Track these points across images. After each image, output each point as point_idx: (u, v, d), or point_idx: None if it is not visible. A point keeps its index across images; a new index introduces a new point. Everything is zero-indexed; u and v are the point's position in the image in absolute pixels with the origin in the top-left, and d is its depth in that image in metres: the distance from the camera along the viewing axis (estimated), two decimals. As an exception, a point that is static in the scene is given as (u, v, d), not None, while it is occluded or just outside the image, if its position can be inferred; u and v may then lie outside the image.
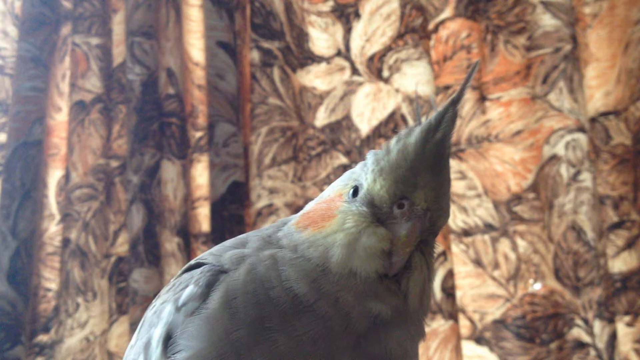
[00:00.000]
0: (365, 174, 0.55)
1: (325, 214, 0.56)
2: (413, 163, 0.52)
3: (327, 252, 0.52)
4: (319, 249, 0.53)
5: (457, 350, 1.26)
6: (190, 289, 0.53)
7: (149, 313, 0.58)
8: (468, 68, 1.38)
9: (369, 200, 0.54)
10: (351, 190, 0.56)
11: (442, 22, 1.42)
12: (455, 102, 0.53)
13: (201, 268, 0.55)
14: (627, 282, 1.27)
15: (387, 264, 0.52)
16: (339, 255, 0.52)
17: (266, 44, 1.46)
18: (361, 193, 0.55)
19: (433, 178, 0.53)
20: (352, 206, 0.54)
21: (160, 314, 0.55)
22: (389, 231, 0.52)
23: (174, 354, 0.51)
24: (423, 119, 0.54)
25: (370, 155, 0.56)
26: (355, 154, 1.40)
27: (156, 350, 0.53)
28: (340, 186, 0.57)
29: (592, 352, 1.24)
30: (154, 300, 0.59)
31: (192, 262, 0.58)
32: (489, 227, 1.34)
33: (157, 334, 0.54)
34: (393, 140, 0.54)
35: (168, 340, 0.52)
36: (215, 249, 0.58)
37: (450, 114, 0.53)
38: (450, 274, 1.28)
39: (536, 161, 1.34)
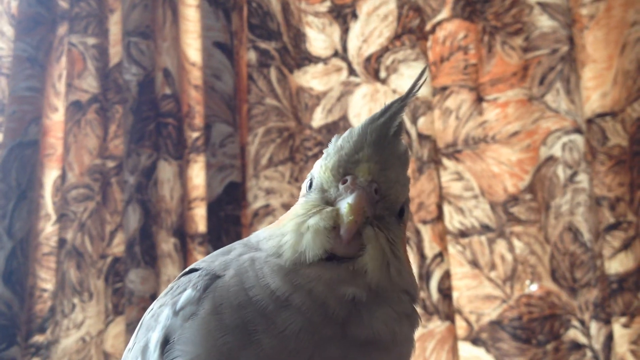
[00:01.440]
0: (317, 166, 0.57)
1: (287, 212, 0.58)
2: (355, 143, 0.54)
3: (280, 241, 0.54)
4: (275, 240, 0.54)
5: (454, 351, 1.26)
6: (188, 293, 0.53)
7: (147, 316, 0.58)
8: (465, 69, 1.39)
9: (319, 187, 0.55)
10: (307, 183, 0.57)
11: (439, 23, 1.42)
12: (403, 99, 0.55)
13: (198, 272, 0.55)
14: (623, 284, 1.27)
15: (336, 241, 0.52)
16: (288, 241, 0.53)
17: (263, 45, 1.46)
18: (313, 183, 0.56)
19: (376, 151, 0.54)
20: (306, 197, 0.56)
21: (158, 317, 0.55)
22: (335, 208, 0.53)
23: (171, 359, 0.51)
24: None
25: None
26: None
27: (154, 354, 0.53)
28: (303, 186, 0.59)
29: (589, 354, 1.24)
30: (153, 304, 0.59)
31: (187, 269, 0.58)
32: (485, 228, 1.34)
33: (155, 337, 0.53)
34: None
35: (166, 344, 0.52)
36: (207, 257, 0.59)
37: (395, 106, 0.54)
38: (446, 275, 1.28)
39: (533, 162, 1.34)
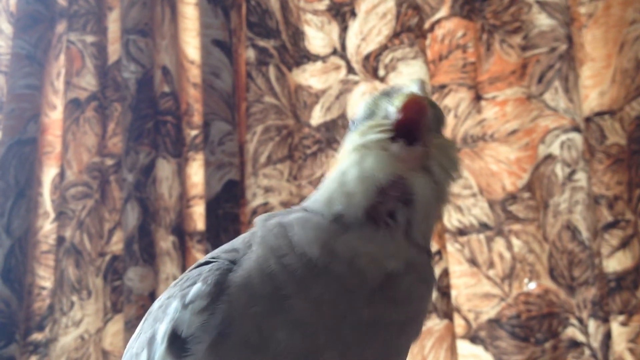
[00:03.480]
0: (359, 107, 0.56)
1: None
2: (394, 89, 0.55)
3: (331, 186, 0.52)
4: (324, 191, 0.53)
5: (452, 349, 1.26)
6: (198, 287, 0.52)
7: (155, 306, 0.57)
8: (464, 67, 1.39)
9: (367, 113, 0.55)
10: (351, 126, 0.56)
11: (438, 21, 1.42)
12: None
13: (210, 265, 0.53)
14: (621, 282, 1.27)
15: (403, 152, 0.49)
16: (350, 178, 0.51)
17: (262, 43, 1.46)
18: (357, 119, 0.55)
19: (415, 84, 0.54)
20: (353, 130, 0.55)
21: (166, 309, 0.54)
22: (392, 120, 0.51)
23: (192, 346, 0.50)
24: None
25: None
26: (350, 153, 1.39)
27: (161, 345, 0.52)
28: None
29: (587, 352, 1.24)
30: (161, 295, 0.58)
31: (202, 260, 0.57)
32: (484, 227, 1.34)
33: (162, 329, 0.53)
34: None
35: (173, 336, 0.51)
36: (228, 244, 0.58)
37: None
38: (445, 273, 1.28)
39: (531, 161, 1.34)
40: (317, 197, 0.54)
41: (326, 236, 0.50)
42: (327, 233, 0.50)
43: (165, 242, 1.41)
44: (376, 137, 0.51)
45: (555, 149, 1.32)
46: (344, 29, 1.46)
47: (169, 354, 0.51)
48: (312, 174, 1.41)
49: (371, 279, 0.50)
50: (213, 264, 0.54)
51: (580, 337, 1.26)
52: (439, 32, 1.41)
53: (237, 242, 0.55)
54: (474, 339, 1.30)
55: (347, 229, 0.50)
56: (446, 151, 0.52)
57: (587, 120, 1.34)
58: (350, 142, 0.53)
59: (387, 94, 0.54)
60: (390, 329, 0.51)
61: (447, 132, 1.38)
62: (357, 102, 1.42)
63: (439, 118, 0.54)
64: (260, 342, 0.49)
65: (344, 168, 0.52)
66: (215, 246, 1.33)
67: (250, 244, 0.53)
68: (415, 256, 0.51)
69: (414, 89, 0.51)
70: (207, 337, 0.50)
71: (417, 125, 0.50)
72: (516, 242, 1.31)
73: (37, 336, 1.44)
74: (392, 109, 0.51)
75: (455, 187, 1.37)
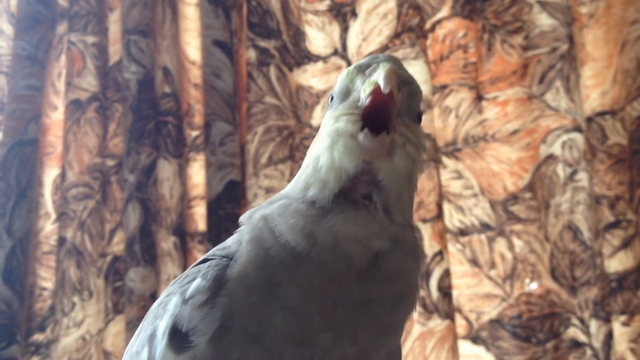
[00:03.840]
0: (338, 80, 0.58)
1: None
2: (370, 58, 0.56)
3: (308, 174, 0.54)
4: (302, 178, 0.55)
5: (454, 349, 1.26)
6: (197, 282, 0.53)
7: (155, 305, 0.58)
8: (465, 67, 1.39)
9: (343, 90, 0.56)
10: (329, 100, 0.58)
11: (439, 21, 1.42)
12: None
13: (209, 262, 0.55)
14: (623, 282, 1.27)
15: (370, 142, 0.51)
16: (323, 166, 0.53)
17: (263, 43, 1.46)
18: (335, 94, 0.57)
19: (387, 56, 0.55)
20: (329, 111, 0.56)
21: (166, 305, 0.55)
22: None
23: (193, 339, 0.51)
24: None
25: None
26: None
27: (162, 341, 0.53)
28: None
29: (589, 352, 1.24)
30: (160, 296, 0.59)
31: (201, 258, 0.58)
32: (485, 227, 1.34)
33: (163, 325, 0.53)
34: None
35: (174, 331, 0.52)
36: (221, 244, 0.59)
37: None
38: (446, 274, 1.28)
39: (533, 161, 1.34)
40: (296, 181, 0.56)
41: (305, 223, 0.51)
42: (305, 219, 0.51)
43: (167, 242, 1.41)
44: (345, 126, 0.53)
45: (556, 149, 1.32)
46: (344, 29, 1.46)
47: (170, 349, 0.52)
48: (313, 174, 1.41)
49: (357, 261, 0.50)
50: (211, 261, 0.55)
51: (582, 338, 1.26)
52: (440, 32, 1.41)
53: (229, 241, 0.56)
54: (475, 339, 1.30)
55: (327, 213, 0.51)
56: (411, 138, 0.53)
57: (589, 120, 1.34)
58: (325, 125, 0.55)
59: (362, 70, 0.55)
60: (383, 306, 0.52)
61: (449, 131, 1.38)
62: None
63: (412, 94, 0.55)
64: (259, 330, 0.50)
65: (318, 152, 0.54)
66: (216, 246, 1.33)
67: (240, 242, 0.54)
68: (399, 233, 0.52)
69: (385, 70, 0.51)
70: (208, 330, 0.50)
71: (383, 113, 0.52)
72: (517, 243, 1.31)
73: (38, 337, 1.44)
74: (363, 94, 0.53)
75: (457, 187, 1.37)
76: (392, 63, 0.54)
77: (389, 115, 0.52)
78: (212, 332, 0.50)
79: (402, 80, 0.53)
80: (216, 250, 0.57)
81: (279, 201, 0.55)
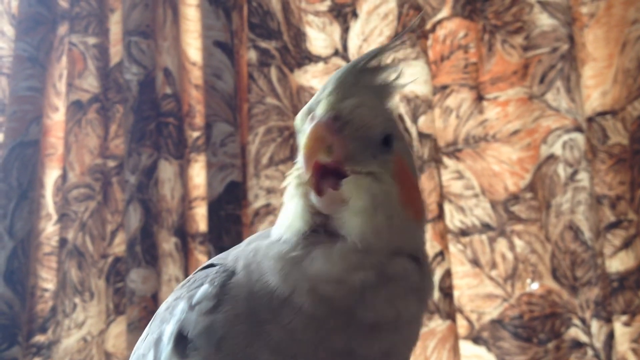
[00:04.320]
0: None
1: None
2: (323, 86, 0.54)
3: (282, 219, 0.53)
4: (280, 219, 0.54)
5: (455, 350, 1.26)
6: (205, 288, 0.52)
7: (162, 308, 0.57)
8: (466, 68, 1.39)
9: (298, 129, 0.55)
10: None
11: (440, 21, 1.42)
12: (379, 51, 0.56)
13: (216, 267, 0.54)
14: (624, 282, 1.27)
15: (317, 199, 0.50)
16: (287, 217, 0.52)
17: (263, 44, 1.46)
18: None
19: (338, 85, 0.52)
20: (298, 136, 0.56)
21: (173, 310, 0.54)
22: None
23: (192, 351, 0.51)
24: None
25: None
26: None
27: (167, 346, 0.53)
28: None
29: (590, 352, 1.24)
30: (169, 296, 0.59)
31: (206, 263, 0.57)
32: (486, 227, 1.34)
33: (169, 330, 0.53)
34: None
35: (180, 337, 0.52)
36: (225, 252, 0.58)
37: (374, 49, 0.55)
38: (447, 274, 1.28)
39: (533, 161, 1.34)
40: (278, 221, 0.55)
41: (283, 265, 0.50)
42: (285, 261, 0.50)
43: (168, 243, 1.41)
44: (296, 190, 0.52)
45: (557, 149, 1.32)
46: (345, 30, 1.46)
47: (175, 354, 0.52)
48: (314, 175, 1.41)
49: (340, 301, 0.48)
50: (219, 266, 0.54)
51: (583, 338, 1.25)
52: (441, 32, 1.41)
53: (229, 256, 0.55)
54: (476, 339, 1.30)
55: (309, 251, 0.50)
56: (363, 182, 0.50)
57: (589, 120, 1.34)
58: (287, 177, 0.54)
59: (309, 114, 0.54)
60: (372, 357, 0.50)
61: (449, 132, 1.38)
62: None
63: (362, 127, 0.51)
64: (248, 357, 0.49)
65: (285, 201, 0.54)
66: (217, 247, 1.34)
67: (236, 262, 0.54)
68: (386, 263, 0.50)
69: (308, 137, 0.50)
70: (213, 337, 0.50)
71: (320, 174, 0.50)
72: (518, 243, 1.31)
73: (39, 338, 1.44)
74: (300, 157, 0.51)
75: (458, 187, 1.37)
76: (328, 106, 0.51)
77: (330, 171, 0.50)
78: (216, 339, 0.50)
79: (343, 119, 0.51)
80: (220, 259, 0.56)
81: (268, 237, 0.54)
